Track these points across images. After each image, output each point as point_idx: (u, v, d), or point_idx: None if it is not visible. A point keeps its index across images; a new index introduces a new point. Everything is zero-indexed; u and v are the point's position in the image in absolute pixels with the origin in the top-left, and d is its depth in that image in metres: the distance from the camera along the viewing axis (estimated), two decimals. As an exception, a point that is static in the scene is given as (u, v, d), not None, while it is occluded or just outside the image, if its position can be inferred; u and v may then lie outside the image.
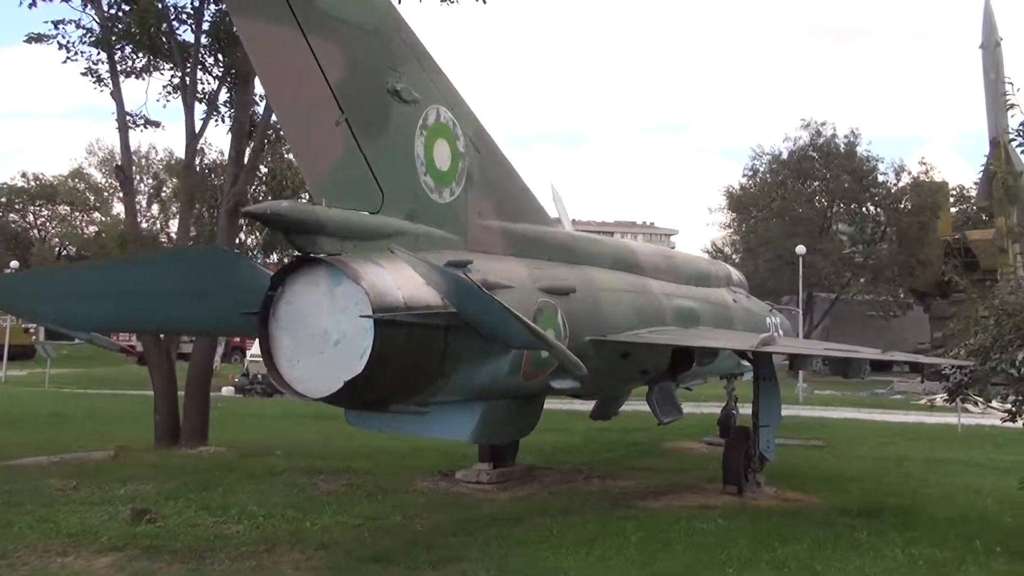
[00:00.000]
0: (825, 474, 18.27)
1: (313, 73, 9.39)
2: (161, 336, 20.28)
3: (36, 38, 20.34)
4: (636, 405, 19.55)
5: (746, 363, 17.40)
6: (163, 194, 75.89)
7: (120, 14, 20.05)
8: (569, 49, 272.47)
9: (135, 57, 21.59)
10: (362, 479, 16.21)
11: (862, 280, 60.86)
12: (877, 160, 62.33)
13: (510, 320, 8.99)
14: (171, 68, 21.75)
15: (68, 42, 20.44)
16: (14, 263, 60.68)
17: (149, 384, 20.94)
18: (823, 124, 63.29)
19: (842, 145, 62.29)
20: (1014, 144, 12.78)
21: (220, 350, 50.44)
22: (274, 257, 54.98)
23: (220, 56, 21.09)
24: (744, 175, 68.61)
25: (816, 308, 63.48)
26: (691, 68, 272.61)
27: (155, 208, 76.89)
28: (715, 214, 73.31)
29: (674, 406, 16.45)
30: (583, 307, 12.78)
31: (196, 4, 20.13)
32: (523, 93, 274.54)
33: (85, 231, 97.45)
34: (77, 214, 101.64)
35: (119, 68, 21.63)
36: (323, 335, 9.46)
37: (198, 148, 38.07)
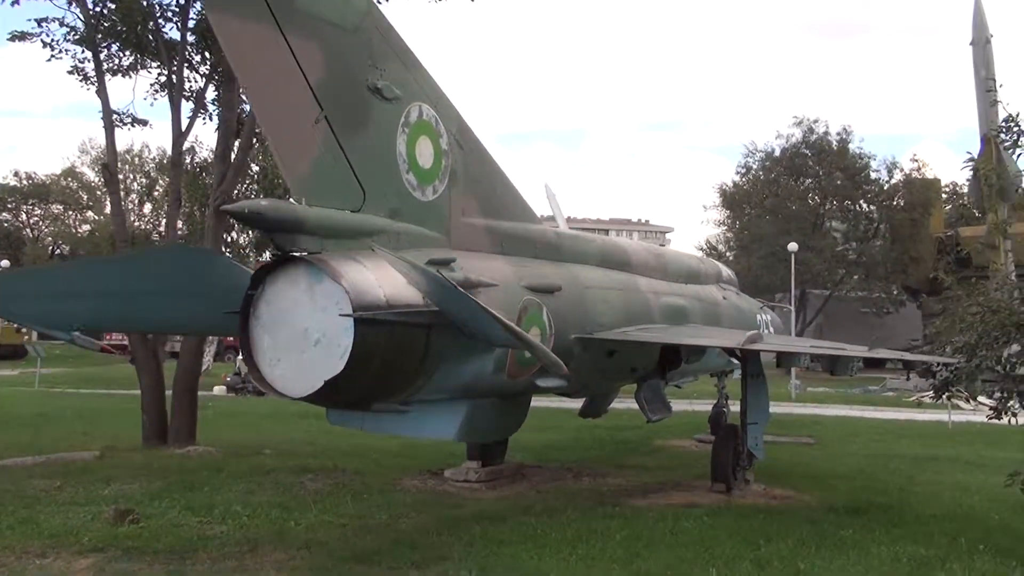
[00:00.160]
0: (814, 471, 18.24)
1: (292, 71, 9.31)
2: (148, 336, 20.20)
3: (19, 36, 20.25)
4: (626, 403, 19.52)
5: (736, 360, 17.36)
6: (155, 193, 75.75)
7: (105, 11, 19.93)
8: (565, 48, 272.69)
9: (121, 55, 21.50)
10: (350, 478, 16.15)
11: (855, 277, 60.90)
12: (869, 157, 62.46)
13: (489, 319, 8.94)
14: (158, 66, 21.67)
15: (52, 40, 20.39)
16: (5, 262, 60.44)
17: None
18: (815, 121, 63.47)
19: (835, 142, 62.40)
20: (1000, 140, 12.74)
21: (213, 349, 50.35)
22: (267, 256, 54.86)
23: (207, 54, 21.02)
24: (737, 172, 68.76)
25: (809, 305, 63.58)
26: (687, 66, 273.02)
27: (147, 207, 76.78)
28: (710, 211, 73.57)
29: (663, 404, 16.41)
30: (569, 305, 12.72)
31: (182, 2, 20.04)
32: (519, 91, 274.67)
33: (78, 230, 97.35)
34: (70, 213, 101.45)
35: (106, 66, 21.58)
36: (303, 334, 9.40)
37: (190, 146, 38.23)
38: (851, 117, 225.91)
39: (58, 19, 20.19)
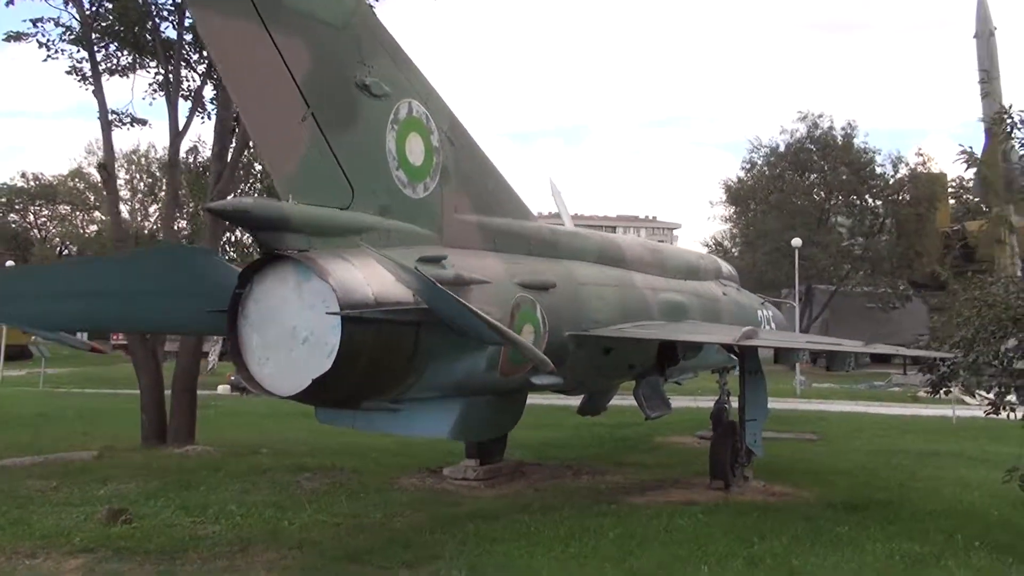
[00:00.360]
0: (815, 468, 18.15)
1: (277, 68, 9.22)
2: (147, 336, 20.18)
3: (15, 36, 20.25)
4: (627, 400, 19.45)
5: (734, 356, 17.26)
6: (157, 192, 75.88)
7: (101, 11, 19.90)
8: (571, 44, 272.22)
9: (119, 55, 21.48)
10: (347, 477, 16.13)
11: (861, 272, 60.64)
12: (874, 152, 62.19)
13: (473, 316, 8.88)
14: (156, 65, 21.64)
15: (48, 40, 20.37)
16: (10, 263, 60.58)
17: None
18: (820, 116, 63.24)
19: (839, 137, 62.12)
20: (981, 133, 12.63)
21: (218, 348, 50.43)
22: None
23: (204, 53, 20.97)
24: (742, 168, 68.53)
25: (815, 301, 63.36)
26: (692, 62, 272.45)
27: (152, 207, 76.90)
28: (716, 207, 73.41)
29: (662, 401, 16.32)
30: (563, 302, 12.64)
31: (178, 1, 20.00)
32: (525, 89, 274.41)
33: (86, 231, 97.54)
34: (77, 214, 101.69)
35: (104, 66, 21.58)
36: (291, 332, 9.34)
37: (192, 146, 38.19)
38: (857, 112, 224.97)
39: (53, 19, 20.20)
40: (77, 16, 19.88)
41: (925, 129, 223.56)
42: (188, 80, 21.33)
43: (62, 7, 20.10)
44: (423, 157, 11.06)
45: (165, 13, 20.32)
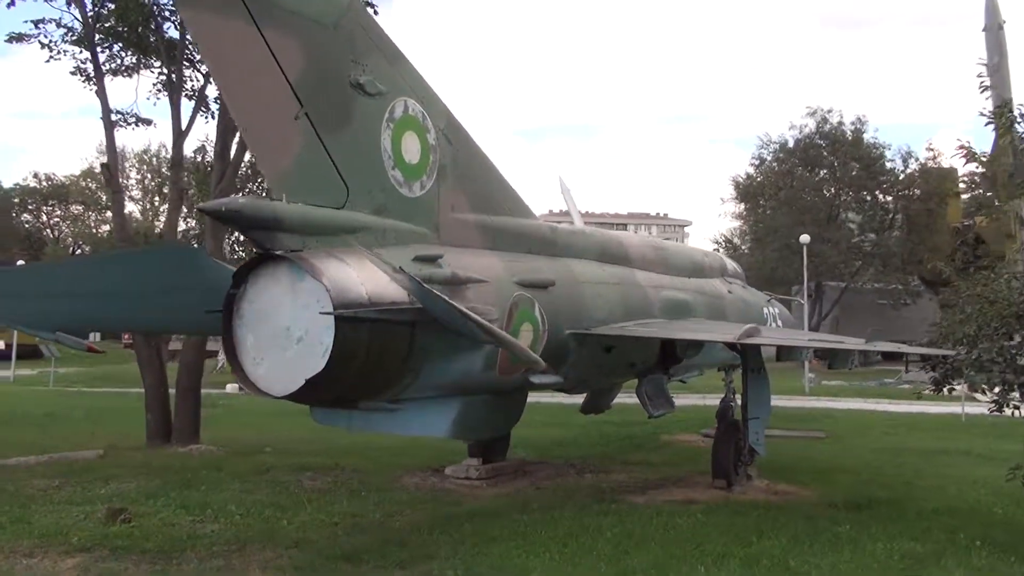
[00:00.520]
0: (820, 466, 18.04)
1: (270, 68, 9.19)
2: (161, 335, 20.23)
3: (17, 38, 20.31)
4: (635, 398, 19.36)
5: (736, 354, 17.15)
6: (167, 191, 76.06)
7: (104, 11, 19.93)
8: (582, 41, 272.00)
9: (123, 56, 21.52)
10: (348, 476, 16.13)
11: (871, 269, 60.30)
12: (884, 147, 61.78)
13: (459, 315, 8.86)
14: (159, 65, 21.67)
15: (51, 41, 20.41)
16: (20, 262, 60.87)
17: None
18: (829, 111, 62.86)
19: (849, 132, 61.74)
20: (989, 127, 12.51)
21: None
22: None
23: (207, 52, 20.94)
24: (751, 164, 68.21)
25: (826, 297, 63.07)
26: (705, 59, 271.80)
27: (163, 206, 77.10)
28: (727, 204, 73.10)
29: (665, 399, 16.21)
30: (563, 300, 12.58)
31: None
32: (536, 86, 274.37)
33: (98, 230, 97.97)
34: (90, 213, 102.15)
35: (109, 67, 21.65)
36: (286, 332, 9.33)
37: (200, 145, 38.33)
38: (868, 108, 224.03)
39: (55, 20, 20.24)
40: (79, 17, 19.91)
41: (936, 124, 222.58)
42: (191, 80, 21.38)
43: (64, 8, 20.18)
44: (419, 156, 11.02)
45: (167, 13, 20.32)
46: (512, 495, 14.75)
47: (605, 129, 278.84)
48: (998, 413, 12.46)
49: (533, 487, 15.64)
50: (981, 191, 61.21)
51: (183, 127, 20.70)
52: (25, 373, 48.85)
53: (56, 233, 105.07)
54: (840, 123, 62.05)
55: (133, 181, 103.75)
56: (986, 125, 12.44)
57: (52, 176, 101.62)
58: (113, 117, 22.04)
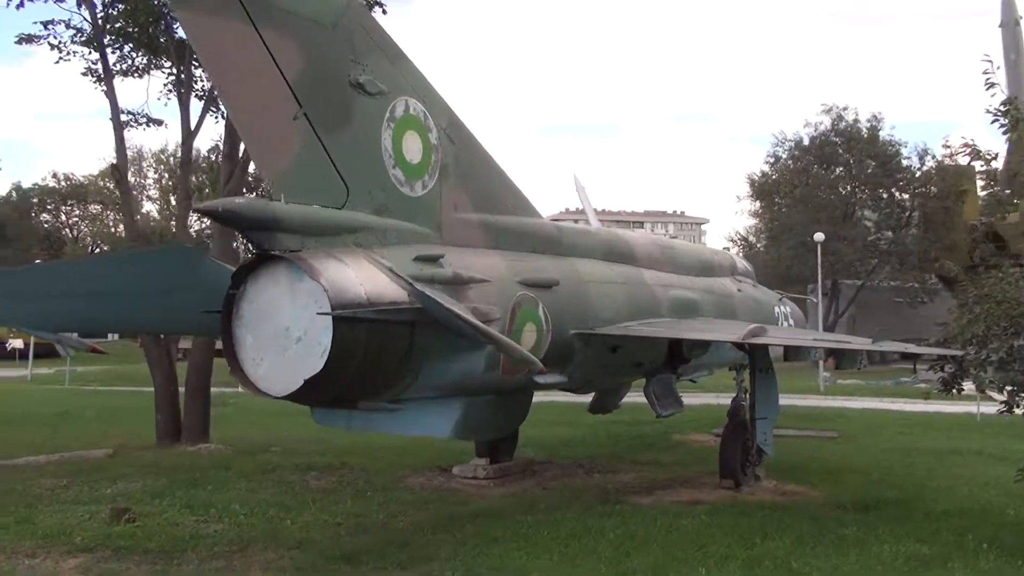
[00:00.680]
0: (830, 466, 17.89)
1: (268, 68, 9.17)
2: (161, 334, 20.27)
3: (27, 39, 20.39)
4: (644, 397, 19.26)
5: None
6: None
7: (115, 12, 19.99)
8: (600, 40, 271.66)
9: (133, 56, 21.59)
10: (355, 476, 16.13)
11: (887, 267, 59.77)
12: (900, 144, 61.19)
13: (451, 315, 8.83)
14: (170, 66, 21.72)
15: (60, 43, 20.48)
16: (38, 262, 61.25)
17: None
18: (845, 108, 62.17)
19: (865, 130, 61.19)
20: (995, 125, 12.34)
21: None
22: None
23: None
24: (766, 162, 67.73)
25: (842, 296, 62.54)
26: (721, 57, 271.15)
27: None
28: (743, 202, 72.58)
29: (674, 399, 16.09)
30: (567, 300, 12.52)
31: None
32: (554, 84, 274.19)
33: (117, 230, 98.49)
34: (108, 213, 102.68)
35: (120, 67, 21.73)
36: (285, 333, 9.32)
37: (214, 145, 38.38)
38: (884, 105, 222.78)
39: (64, 21, 20.33)
40: (88, 18, 19.99)
41: (954, 121, 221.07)
42: (200, 80, 21.37)
43: (74, 9, 20.25)
44: (421, 155, 10.98)
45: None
46: (518, 495, 14.71)
47: (623, 127, 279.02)
48: (1008, 413, 12.30)
49: (540, 487, 15.60)
50: (998, 188, 60.60)
51: (192, 127, 20.77)
52: (42, 372, 49.11)
53: (75, 233, 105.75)
54: (856, 120, 61.44)
55: (151, 181, 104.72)
56: (992, 122, 12.28)
57: (71, 176, 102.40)
58: (124, 118, 22.16)
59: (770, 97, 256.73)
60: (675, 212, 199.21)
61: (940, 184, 58.46)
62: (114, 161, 20.68)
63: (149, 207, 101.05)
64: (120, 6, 19.99)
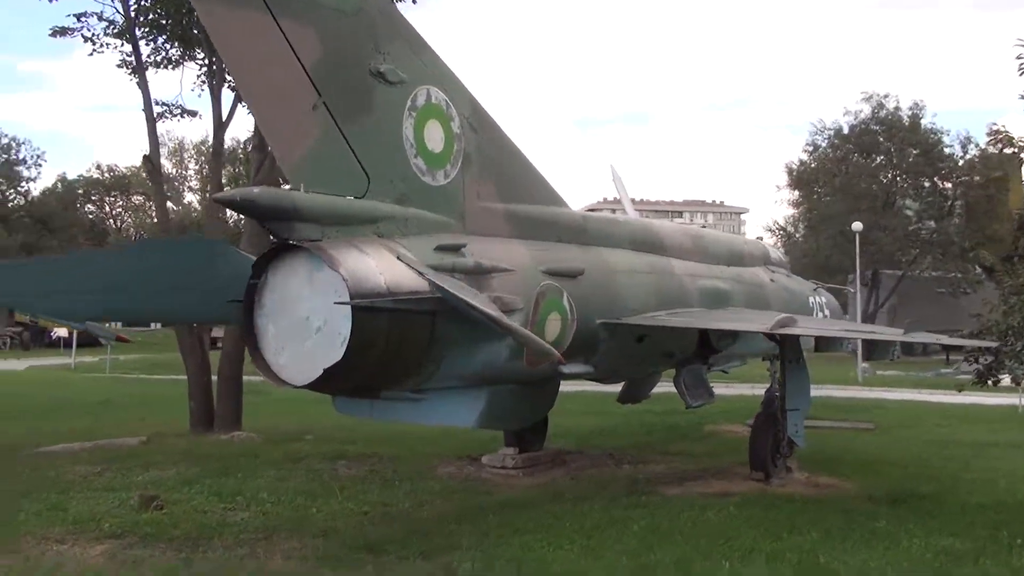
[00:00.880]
0: (865, 459, 17.62)
1: (286, 57, 9.17)
2: (194, 324, 20.46)
3: (60, 32, 20.64)
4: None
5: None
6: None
7: (146, 3, 20.15)
8: (637, 28, 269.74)
9: (167, 48, 21.77)
10: (384, 464, 16.14)
11: (929, 257, 58.86)
12: (942, 132, 60.15)
13: (466, 305, 8.79)
14: (203, 57, 21.87)
15: (93, 35, 20.71)
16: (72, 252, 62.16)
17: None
18: (885, 96, 61.32)
19: (906, 118, 60.20)
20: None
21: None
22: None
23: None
24: (805, 150, 66.93)
25: (882, 286, 61.70)
26: (762, 43, 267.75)
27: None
28: (782, 191, 71.84)
29: (705, 389, 15.94)
30: (593, 289, 12.44)
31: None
32: (591, 75, 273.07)
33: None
34: (150, 204, 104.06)
35: (154, 59, 21.93)
36: (305, 322, 9.36)
37: (251, 135, 38.55)
38: (927, 93, 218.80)
39: (96, 14, 20.54)
40: (120, 10, 20.17)
41: (999, 109, 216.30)
42: (233, 71, 21.47)
43: (107, 1, 20.45)
44: (443, 144, 10.93)
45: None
46: (546, 485, 14.62)
47: (662, 117, 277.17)
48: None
49: (569, 477, 15.50)
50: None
51: (224, 118, 20.92)
52: (86, 360, 49.88)
53: (118, 223, 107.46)
54: (897, 108, 60.58)
55: (192, 172, 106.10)
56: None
57: (114, 168, 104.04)
58: (159, 109, 22.38)
59: (810, 85, 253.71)
60: (714, 202, 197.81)
61: (983, 172, 57.42)
62: (157, 151, 20.83)
63: (191, 198, 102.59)
64: (152, -3, 20.17)
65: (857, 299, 45.97)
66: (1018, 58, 11.85)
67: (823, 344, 17.22)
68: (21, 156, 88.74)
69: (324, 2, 9.52)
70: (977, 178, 58.15)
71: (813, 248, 60.62)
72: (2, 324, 63.00)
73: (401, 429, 19.21)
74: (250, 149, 37.44)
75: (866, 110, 61.32)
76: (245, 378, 20.82)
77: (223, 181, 73.70)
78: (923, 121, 60.17)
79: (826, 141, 64.18)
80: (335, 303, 8.91)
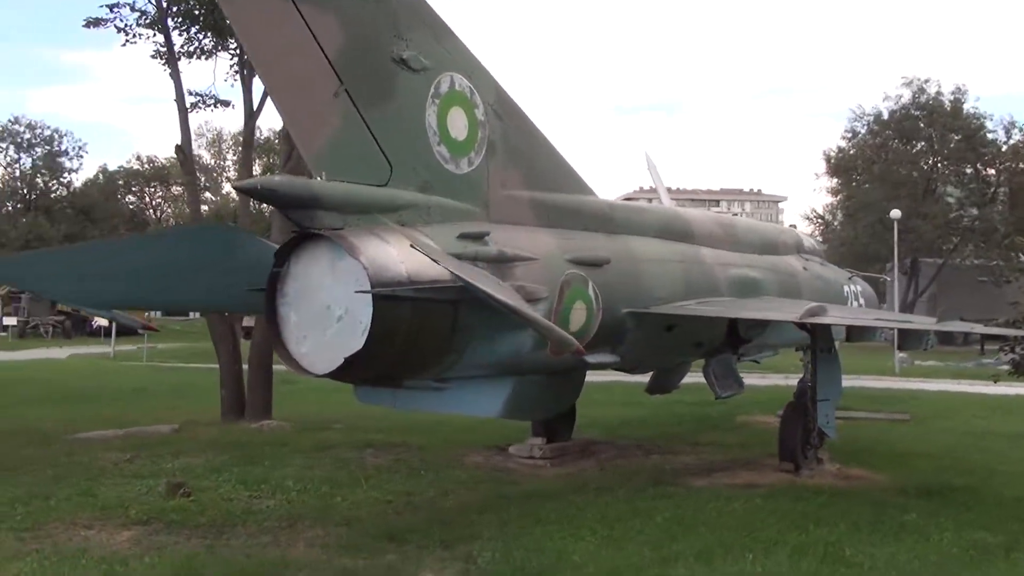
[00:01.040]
0: (899, 450, 17.34)
1: (307, 44, 9.13)
2: (225, 312, 20.58)
3: (93, 22, 20.81)
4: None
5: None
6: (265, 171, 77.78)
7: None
8: (676, 17, 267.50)
9: (199, 38, 21.89)
10: (411, 454, 16.16)
11: (970, 245, 57.79)
12: (985, 117, 58.92)
13: (485, 295, 8.72)
14: (235, 47, 21.97)
15: (125, 25, 20.87)
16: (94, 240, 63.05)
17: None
18: (926, 81, 60.16)
19: (947, 102, 59.06)
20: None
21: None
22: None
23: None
24: (843, 137, 65.94)
25: (922, 274, 60.73)
26: (803, 30, 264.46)
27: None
28: (821, 179, 70.91)
29: (734, 379, 15.75)
30: (619, 278, 12.31)
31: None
32: (629, 61, 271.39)
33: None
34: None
35: (187, 49, 22.07)
36: (326, 311, 9.35)
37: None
38: (971, 77, 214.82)
39: (128, 4, 20.69)
40: (152, 0, 20.34)
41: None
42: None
43: (141, -9, 20.59)
44: (467, 132, 10.84)
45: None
46: (572, 476, 14.55)
47: (698, 104, 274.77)
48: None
49: (596, 468, 15.41)
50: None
51: (255, 107, 21.01)
52: (125, 349, 50.52)
53: (158, 214, 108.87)
54: (938, 93, 59.43)
55: (230, 162, 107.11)
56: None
57: (154, 159, 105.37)
58: (192, 99, 22.54)
59: (852, 71, 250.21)
60: (752, 190, 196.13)
61: (1026, 158, 56.33)
62: (178, 142, 20.99)
63: (229, 188, 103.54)
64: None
65: (895, 288, 45.34)
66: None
67: (855, 334, 16.93)
68: (63, 147, 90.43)
69: None
70: (1022, 164, 56.95)
71: (851, 236, 59.78)
72: (45, 313, 64.33)
73: (431, 419, 19.25)
74: (280, 139, 37.86)
75: (906, 95, 60.36)
76: (276, 367, 20.91)
77: (259, 171, 74.75)
78: (965, 106, 59.00)
79: (865, 128, 63.19)
80: (356, 292, 8.89)
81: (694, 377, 18.07)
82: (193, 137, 22.01)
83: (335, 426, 19.32)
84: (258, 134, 76.38)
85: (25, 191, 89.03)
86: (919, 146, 60.37)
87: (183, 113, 20.83)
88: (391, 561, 9.67)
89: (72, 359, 44.66)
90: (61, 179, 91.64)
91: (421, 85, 10.24)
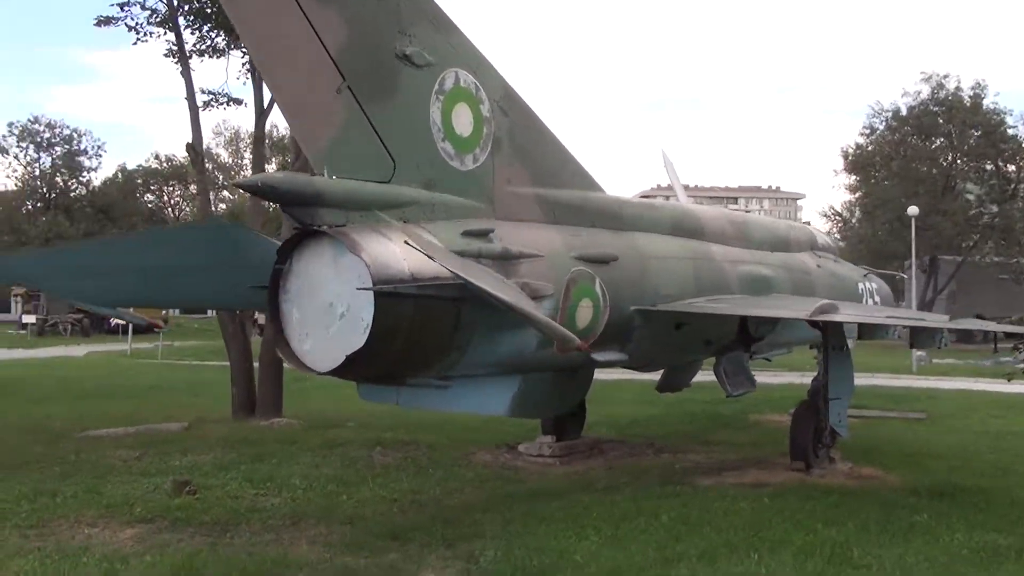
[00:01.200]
0: (912, 450, 17.13)
1: (309, 40, 9.06)
2: (236, 309, 20.61)
3: (104, 21, 20.86)
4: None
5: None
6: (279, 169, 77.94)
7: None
8: (693, 14, 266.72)
9: (212, 36, 21.91)
10: (420, 452, 16.11)
11: (989, 242, 57.18)
12: (1005, 113, 58.21)
13: (483, 292, 8.65)
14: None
15: (136, 23, 20.90)
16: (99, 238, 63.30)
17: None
18: (945, 76, 59.48)
19: (967, 98, 58.41)
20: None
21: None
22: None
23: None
24: (861, 134, 65.35)
25: (941, 272, 60.14)
26: (822, 26, 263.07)
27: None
28: (839, 176, 70.33)
29: (746, 378, 15.63)
30: (627, 275, 12.22)
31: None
32: (652, 58, 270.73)
33: (215, 208, 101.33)
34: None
35: (199, 47, 22.09)
36: (329, 308, 9.30)
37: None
38: (991, 72, 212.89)
39: (139, 2, 20.74)
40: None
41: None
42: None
43: (152, -11, 20.63)
44: (472, 128, 10.75)
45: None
46: (580, 474, 14.45)
47: (716, 101, 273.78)
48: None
49: (605, 467, 15.31)
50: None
51: (265, 106, 21.00)
52: (142, 346, 50.78)
53: (176, 212, 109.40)
54: (957, 88, 58.78)
55: (247, 161, 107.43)
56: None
57: (172, 157, 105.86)
58: (204, 98, 22.57)
59: (870, 68, 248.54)
60: (770, 187, 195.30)
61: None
62: (201, 141, 21.01)
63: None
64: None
65: (912, 285, 44.95)
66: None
67: (866, 332, 16.75)
68: (83, 147, 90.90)
69: None
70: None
71: (869, 234, 59.33)
72: (63, 311, 64.76)
73: (442, 417, 19.16)
74: (292, 136, 37.92)
75: (925, 91, 59.68)
76: (286, 364, 20.87)
77: (274, 169, 74.94)
78: (985, 101, 58.31)
79: (883, 124, 62.60)
80: (357, 289, 8.83)
81: (707, 375, 17.97)
82: (211, 136, 22.05)
83: (348, 424, 19.26)
84: (276, 132, 77.28)
85: (45, 190, 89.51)
86: (938, 142, 59.74)
87: (194, 111, 20.87)
88: (393, 560, 9.62)
89: (89, 357, 44.95)
90: (80, 178, 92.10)
91: (425, 81, 10.16)
